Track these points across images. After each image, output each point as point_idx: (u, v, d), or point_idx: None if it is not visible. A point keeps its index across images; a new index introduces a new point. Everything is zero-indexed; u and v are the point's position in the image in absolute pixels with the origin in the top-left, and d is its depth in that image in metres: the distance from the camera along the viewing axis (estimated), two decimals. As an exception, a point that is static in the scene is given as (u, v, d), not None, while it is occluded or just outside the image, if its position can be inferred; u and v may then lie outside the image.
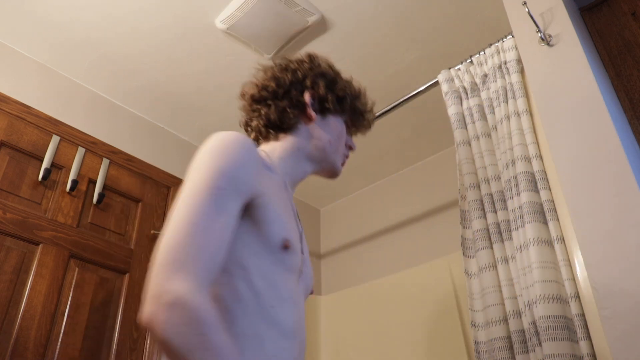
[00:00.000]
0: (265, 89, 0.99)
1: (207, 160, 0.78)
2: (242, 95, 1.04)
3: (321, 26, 2.01)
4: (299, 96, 0.99)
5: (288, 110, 0.97)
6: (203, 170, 0.76)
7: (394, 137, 2.62)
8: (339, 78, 1.04)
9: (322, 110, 1.01)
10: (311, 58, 1.04)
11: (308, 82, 1.00)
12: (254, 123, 1.01)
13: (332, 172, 1.04)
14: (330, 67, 1.05)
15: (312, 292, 0.90)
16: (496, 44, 1.54)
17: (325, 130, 1.00)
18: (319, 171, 1.03)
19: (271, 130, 0.99)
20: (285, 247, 0.84)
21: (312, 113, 0.99)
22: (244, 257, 0.79)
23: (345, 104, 1.03)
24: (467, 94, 1.55)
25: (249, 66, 2.21)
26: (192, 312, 0.64)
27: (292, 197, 0.97)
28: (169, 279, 0.66)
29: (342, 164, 1.05)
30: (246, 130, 1.04)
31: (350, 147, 1.09)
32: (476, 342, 1.25)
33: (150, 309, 0.65)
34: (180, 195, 0.76)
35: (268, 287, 0.80)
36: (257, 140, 1.03)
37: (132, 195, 2.22)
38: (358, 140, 2.81)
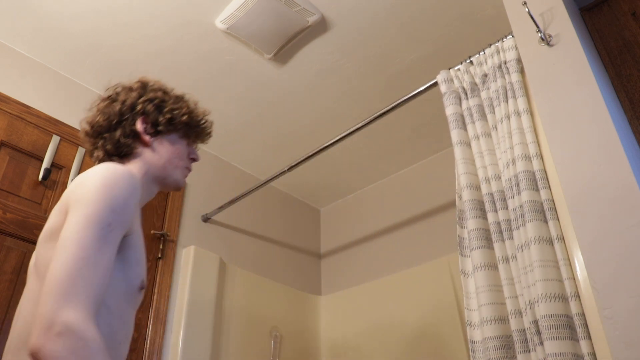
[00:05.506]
0: (97, 124, 1.06)
1: (97, 196, 0.82)
2: (81, 132, 1.11)
3: (321, 26, 2.01)
4: (131, 125, 1.05)
5: (122, 140, 1.03)
6: (93, 206, 0.81)
7: (394, 137, 2.62)
8: (167, 98, 1.10)
9: (157, 133, 1.07)
10: (141, 84, 1.11)
11: (139, 109, 1.06)
12: (95, 154, 1.06)
13: (175, 187, 1.10)
14: (160, 89, 1.11)
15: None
16: (496, 44, 1.54)
17: (163, 151, 1.07)
18: (164, 188, 1.09)
19: (113, 159, 1.04)
20: (142, 288, 0.90)
21: (147, 138, 1.05)
22: (108, 295, 0.82)
23: (177, 122, 1.09)
24: (466, 94, 1.55)
25: (249, 66, 2.22)
26: (82, 341, 0.67)
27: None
28: (59, 310, 0.69)
29: (185, 177, 1.12)
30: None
31: (193, 159, 1.15)
32: (471, 342, 1.25)
33: (40, 339, 0.67)
34: (69, 226, 0.79)
35: (121, 326, 0.85)
36: None
37: (132, 195, 2.22)
38: (358, 140, 2.78)
